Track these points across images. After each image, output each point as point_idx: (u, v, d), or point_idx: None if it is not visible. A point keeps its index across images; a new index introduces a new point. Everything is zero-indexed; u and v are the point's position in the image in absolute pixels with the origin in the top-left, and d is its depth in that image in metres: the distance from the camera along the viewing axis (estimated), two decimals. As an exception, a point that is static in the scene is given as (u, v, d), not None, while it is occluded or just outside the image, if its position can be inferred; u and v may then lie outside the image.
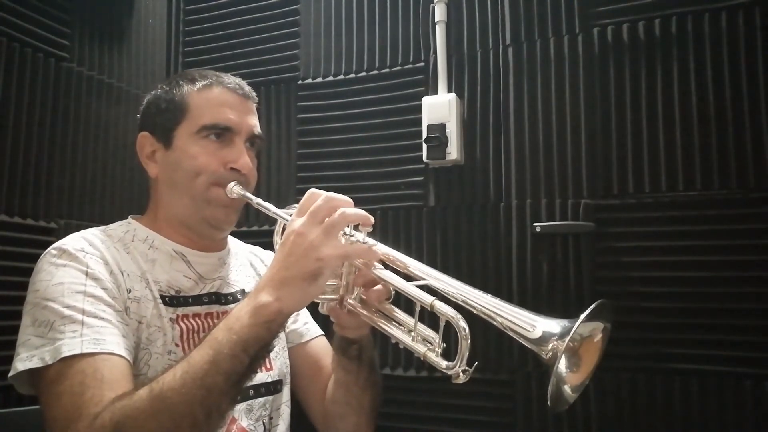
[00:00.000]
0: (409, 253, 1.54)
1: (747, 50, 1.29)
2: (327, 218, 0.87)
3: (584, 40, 1.44)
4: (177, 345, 0.99)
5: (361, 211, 0.90)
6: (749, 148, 1.28)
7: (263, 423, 1.09)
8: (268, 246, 1.31)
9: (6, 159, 1.38)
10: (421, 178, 1.59)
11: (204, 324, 1.05)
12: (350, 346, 1.06)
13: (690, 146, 1.33)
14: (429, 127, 1.53)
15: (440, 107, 1.53)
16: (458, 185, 1.55)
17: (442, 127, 1.51)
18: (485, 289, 1.46)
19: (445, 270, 1.51)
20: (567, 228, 1.41)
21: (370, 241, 0.92)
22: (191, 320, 1.04)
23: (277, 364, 1.15)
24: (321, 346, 1.25)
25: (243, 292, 1.15)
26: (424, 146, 1.53)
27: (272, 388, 1.12)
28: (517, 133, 1.49)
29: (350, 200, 0.91)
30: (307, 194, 0.92)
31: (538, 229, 1.43)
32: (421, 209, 1.58)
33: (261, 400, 1.09)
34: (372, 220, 0.92)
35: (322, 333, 1.28)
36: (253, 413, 1.06)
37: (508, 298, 1.44)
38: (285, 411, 1.15)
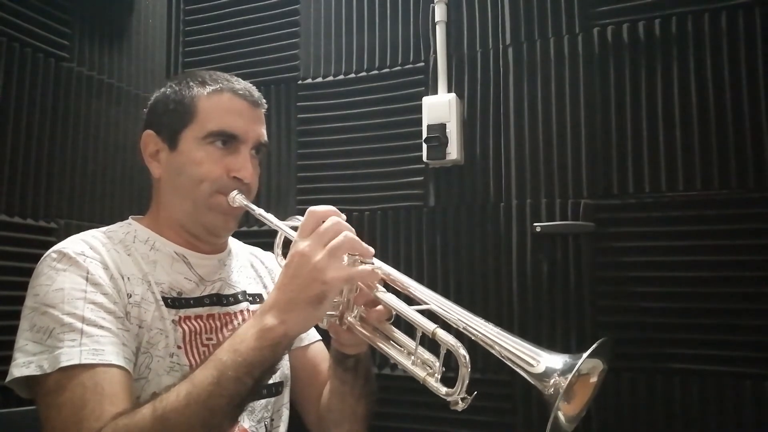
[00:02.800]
0: (408, 254, 1.57)
1: (747, 50, 1.29)
2: (332, 240, 0.87)
3: (584, 40, 1.44)
4: (179, 347, 0.99)
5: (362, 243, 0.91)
6: (749, 148, 1.28)
7: (265, 425, 1.08)
8: (268, 246, 1.31)
9: (6, 159, 1.38)
10: (421, 178, 1.59)
11: (206, 326, 1.05)
12: (347, 359, 1.06)
13: (690, 146, 1.33)
14: (429, 127, 1.53)
15: (440, 107, 1.53)
16: (458, 185, 1.55)
17: (442, 127, 1.51)
18: (485, 288, 1.48)
19: (445, 270, 1.53)
20: (567, 228, 1.41)
21: (375, 261, 0.92)
22: (193, 322, 1.03)
23: (280, 365, 1.14)
24: (318, 351, 1.25)
25: (244, 293, 1.15)
26: (424, 146, 1.53)
27: (274, 389, 1.12)
28: (517, 133, 1.49)
29: (350, 227, 0.91)
30: (307, 213, 0.90)
31: (538, 229, 1.43)
32: (421, 209, 1.58)
33: (263, 401, 1.09)
34: (372, 251, 0.91)
35: (320, 338, 1.28)
36: (255, 415, 1.06)
37: (508, 297, 1.45)
38: (285, 413, 1.16)
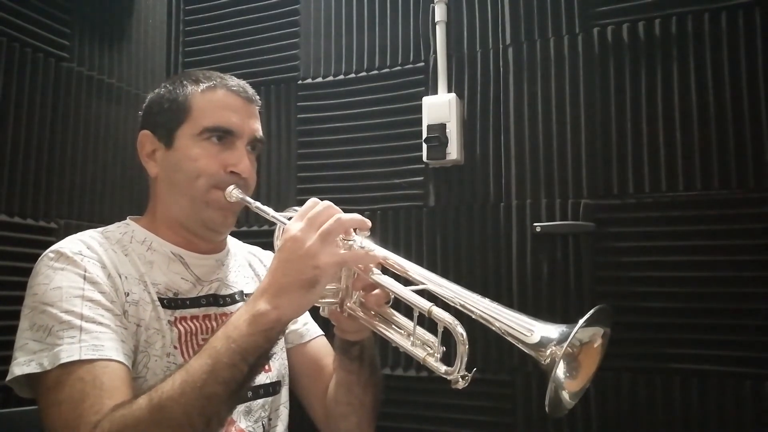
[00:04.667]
0: (408, 254, 1.57)
1: (747, 50, 1.29)
2: (323, 225, 0.87)
3: (584, 40, 1.44)
4: (175, 347, 0.99)
5: (357, 216, 0.91)
6: (749, 148, 1.28)
7: (262, 424, 1.08)
8: (268, 246, 1.31)
9: (6, 159, 1.38)
10: (421, 178, 1.59)
11: (202, 326, 1.05)
12: (352, 347, 1.06)
13: (690, 146, 1.33)
14: (429, 127, 1.53)
15: (440, 107, 1.53)
16: (458, 185, 1.55)
17: (442, 127, 1.51)
18: (485, 289, 1.48)
19: (445, 270, 1.53)
20: (567, 228, 1.41)
21: (369, 245, 0.92)
22: (189, 322, 1.03)
23: (276, 365, 1.15)
24: (321, 346, 1.25)
25: (241, 293, 1.15)
26: (424, 146, 1.53)
27: (271, 389, 1.12)
28: (517, 133, 1.49)
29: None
30: (308, 202, 0.92)
31: (538, 229, 1.43)
32: (421, 209, 1.58)
33: (260, 401, 1.09)
34: (369, 224, 0.92)
35: (322, 333, 1.28)
36: (251, 415, 1.06)
37: (508, 297, 1.45)
38: (283, 412, 1.15)
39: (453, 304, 0.88)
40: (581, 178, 1.42)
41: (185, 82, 1.09)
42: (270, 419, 1.11)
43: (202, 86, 1.08)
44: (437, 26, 1.58)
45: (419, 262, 1.56)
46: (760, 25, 1.28)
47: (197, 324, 1.05)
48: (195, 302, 1.06)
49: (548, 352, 0.77)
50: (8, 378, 0.89)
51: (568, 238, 1.41)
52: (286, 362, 1.20)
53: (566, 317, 1.38)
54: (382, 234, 1.60)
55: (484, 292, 1.47)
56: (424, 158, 1.55)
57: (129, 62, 1.78)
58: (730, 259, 1.28)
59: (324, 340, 1.26)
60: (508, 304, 1.44)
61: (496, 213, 1.50)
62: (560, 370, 0.77)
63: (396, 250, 1.57)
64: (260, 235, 1.69)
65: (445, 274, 1.52)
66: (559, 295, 1.41)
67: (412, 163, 1.60)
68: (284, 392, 1.17)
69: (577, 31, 1.45)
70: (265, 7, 1.83)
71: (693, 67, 1.34)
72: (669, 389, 1.30)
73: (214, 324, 1.07)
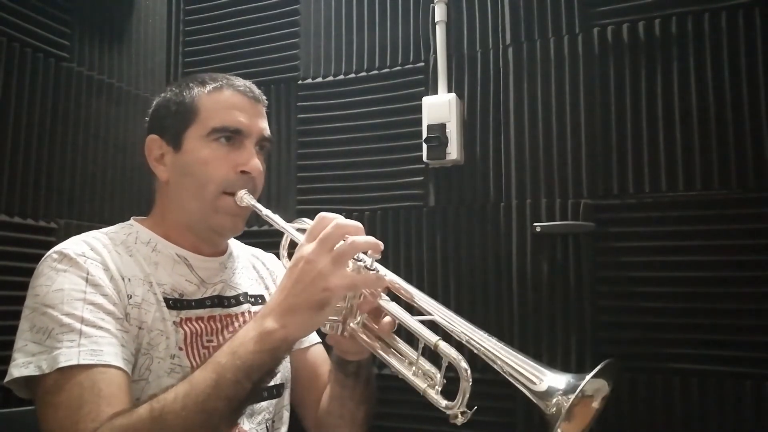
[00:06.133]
0: (408, 254, 1.57)
1: (747, 50, 1.29)
2: (336, 246, 0.86)
3: (584, 40, 1.44)
4: (181, 349, 0.99)
5: (371, 239, 0.89)
6: (749, 148, 1.28)
7: (266, 426, 1.08)
8: (269, 246, 1.31)
9: (6, 159, 1.38)
10: (421, 178, 1.59)
11: (207, 327, 1.05)
12: (349, 364, 1.06)
13: (690, 146, 1.33)
14: (429, 127, 1.53)
15: (440, 107, 1.53)
16: (458, 185, 1.55)
17: (442, 127, 1.51)
18: (485, 289, 1.48)
19: (445, 271, 1.53)
20: (567, 228, 1.41)
21: (379, 268, 0.91)
22: (194, 323, 1.03)
23: (281, 367, 1.14)
24: (318, 354, 1.24)
25: (246, 294, 1.15)
26: (424, 146, 1.53)
27: (275, 391, 1.12)
28: (517, 133, 1.49)
29: (360, 226, 0.89)
30: (317, 218, 0.90)
31: (538, 229, 1.43)
32: (421, 209, 1.58)
33: (264, 404, 1.08)
34: (381, 246, 0.90)
35: (320, 340, 1.28)
36: (255, 417, 1.06)
37: (508, 297, 1.45)
38: (285, 414, 1.15)
39: (458, 339, 0.86)
40: (581, 178, 1.42)
41: (191, 85, 1.09)
42: (273, 421, 1.11)
43: (209, 87, 1.07)
44: (437, 26, 1.58)
45: (419, 262, 1.57)
46: (760, 25, 1.29)
47: (202, 325, 1.04)
48: (200, 303, 1.06)
49: (554, 401, 0.76)
50: (6, 379, 0.89)
51: (568, 238, 1.41)
52: (290, 365, 1.20)
53: (566, 317, 1.39)
54: (382, 234, 1.60)
55: (484, 292, 1.49)
56: (424, 158, 1.55)
57: (129, 62, 1.78)
58: (729, 259, 1.28)
59: (321, 347, 1.26)
60: (508, 304, 1.46)
61: (496, 213, 1.50)
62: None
63: (396, 250, 1.59)
64: (261, 235, 1.69)
65: (445, 275, 1.55)
66: (559, 296, 1.41)
67: (412, 163, 1.60)
68: (287, 395, 1.16)
69: (577, 31, 1.45)
70: (265, 7, 1.83)
71: (693, 67, 1.34)
72: (669, 389, 1.31)
73: (219, 325, 1.07)
